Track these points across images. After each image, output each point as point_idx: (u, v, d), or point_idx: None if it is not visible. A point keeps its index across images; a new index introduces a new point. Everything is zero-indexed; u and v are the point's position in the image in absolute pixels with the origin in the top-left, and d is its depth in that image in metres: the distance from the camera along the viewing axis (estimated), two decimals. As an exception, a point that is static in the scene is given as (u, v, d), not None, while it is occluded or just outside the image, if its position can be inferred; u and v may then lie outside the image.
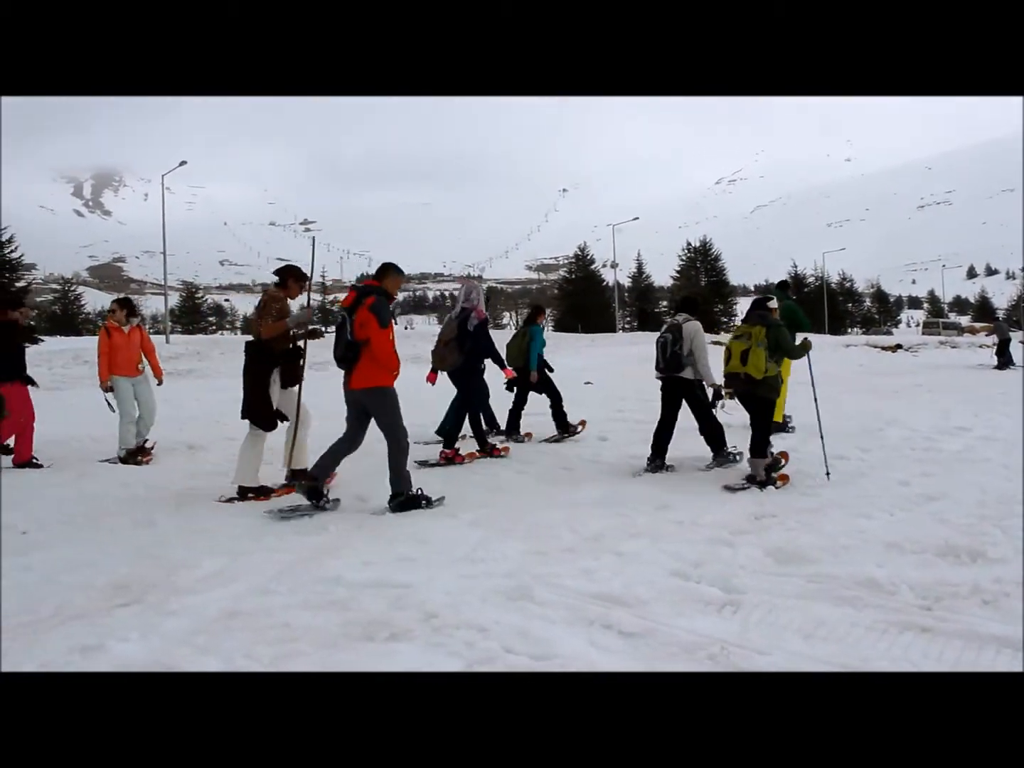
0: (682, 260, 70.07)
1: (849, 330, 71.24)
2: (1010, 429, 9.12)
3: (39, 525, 5.71)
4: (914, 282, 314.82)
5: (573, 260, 71.80)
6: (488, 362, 8.68)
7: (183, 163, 42.09)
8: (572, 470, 7.63)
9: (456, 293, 9.26)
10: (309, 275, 6.88)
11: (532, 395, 9.78)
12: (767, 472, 6.69)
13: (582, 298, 64.58)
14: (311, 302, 6.98)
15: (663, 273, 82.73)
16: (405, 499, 6.04)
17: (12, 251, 50.67)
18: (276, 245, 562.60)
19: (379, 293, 6.19)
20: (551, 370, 10.01)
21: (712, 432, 7.57)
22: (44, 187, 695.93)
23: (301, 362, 6.86)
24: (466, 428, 8.48)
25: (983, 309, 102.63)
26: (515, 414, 9.65)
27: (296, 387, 6.80)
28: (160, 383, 8.99)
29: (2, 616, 3.79)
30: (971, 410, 10.82)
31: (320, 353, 12.49)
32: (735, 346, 6.90)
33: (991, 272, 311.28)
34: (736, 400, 7.04)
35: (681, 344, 7.49)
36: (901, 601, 3.91)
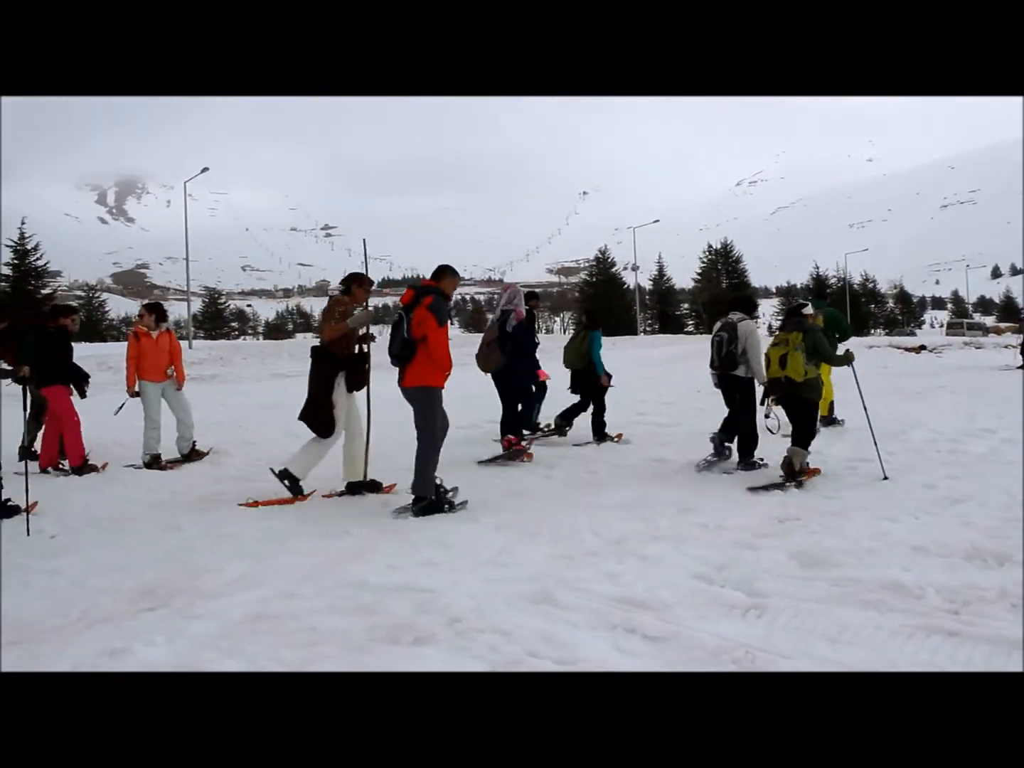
0: (703, 262, 69.86)
1: (872, 331, 70.56)
2: (1036, 431, 8.97)
3: (67, 529, 5.79)
4: (938, 283, 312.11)
5: (594, 263, 71.92)
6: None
7: (205, 169, 42.15)
8: (595, 473, 7.64)
9: (496, 298, 9.55)
10: (370, 279, 7.03)
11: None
12: (796, 469, 6.72)
13: (603, 301, 64.42)
14: (368, 305, 7.15)
15: (684, 275, 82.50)
16: (428, 503, 6.07)
17: (38, 258, 51.37)
18: (297, 250, 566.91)
19: (437, 293, 6.28)
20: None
21: (747, 434, 7.66)
22: (69, 195, 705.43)
23: (367, 367, 6.92)
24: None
25: (1008, 309, 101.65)
26: (597, 421, 9.42)
27: (361, 391, 6.90)
28: (179, 388, 8.96)
29: (34, 620, 3.84)
30: (996, 412, 10.67)
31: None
32: (773, 352, 7.03)
33: (1016, 272, 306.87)
34: (780, 407, 7.10)
35: (736, 343, 7.66)
36: (927, 605, 3.87)
